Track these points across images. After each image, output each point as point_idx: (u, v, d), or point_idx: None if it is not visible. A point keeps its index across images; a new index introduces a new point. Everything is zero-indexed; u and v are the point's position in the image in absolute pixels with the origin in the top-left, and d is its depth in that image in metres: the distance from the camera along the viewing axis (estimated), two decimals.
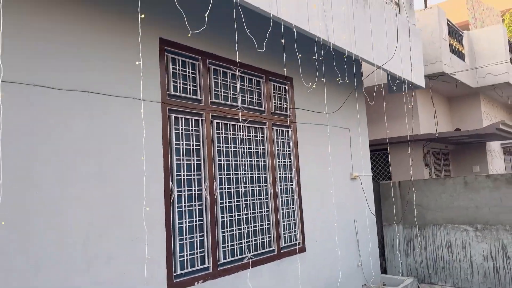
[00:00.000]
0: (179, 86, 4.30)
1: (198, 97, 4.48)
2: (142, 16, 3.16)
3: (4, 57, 2.83)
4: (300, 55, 4.67)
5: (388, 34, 6.60)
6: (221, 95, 4.77)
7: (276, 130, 5.53)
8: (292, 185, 5.67)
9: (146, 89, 3.87)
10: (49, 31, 3.17)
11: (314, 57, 4.87)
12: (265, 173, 5.24)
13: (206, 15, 3.42)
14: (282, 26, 4.29)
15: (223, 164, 4.67)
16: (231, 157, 4.79)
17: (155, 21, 4.00)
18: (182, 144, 4.25)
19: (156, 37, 4.07)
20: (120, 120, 3.61)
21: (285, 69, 4.99)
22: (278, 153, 5.52)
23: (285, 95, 5.79)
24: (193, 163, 4.34)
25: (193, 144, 4.36)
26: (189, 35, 3.65)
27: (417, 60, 7.64)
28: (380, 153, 10.29)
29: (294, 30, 4.44)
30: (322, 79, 5.39)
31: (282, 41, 4.23)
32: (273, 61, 5.40)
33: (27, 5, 3.06)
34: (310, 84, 5.32)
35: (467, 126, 11.57)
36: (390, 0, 7.26)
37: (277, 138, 5.52)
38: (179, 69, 4.33)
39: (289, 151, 5.73)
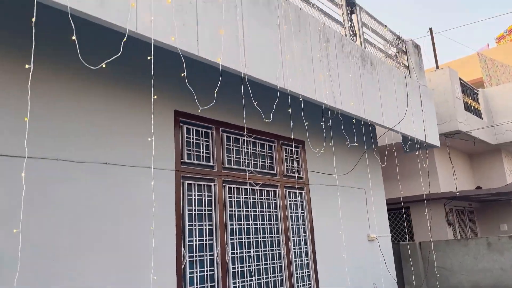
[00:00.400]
0: (193, 154, 4.53)
1: (211, 163, 4.69)
2: (155, 97, 3.46)
3: (31, 135, 3.13)
4: (307, 123, 4.88)
5: (398, 96, 6.80)
6: (233, 160, 4.97)
7: (289, 192, 5.63)
8: (306, 248, 5.66)
9: (161, 158, 4.11)
10: (71, 111, 3.49)
11: (321, 123, 5.06)
12: (278, 236, 5.28)
13: (215, 91, 3.71)
14: (289, 96, 4.54)
15: (235, 228, 4.76)
16: (243, 221, 4.88)
17: (170, 94, 4.32)
18: (195, 209, 4.39)
19: (172, 109, 4.37)
20: (135, 189, 3.82)
21: (292, 136, 5.19)
22: (291, 216, 5.58)
23: (297, 157, 5.95)
24: (205, 228, 4.45)
25: (205, 209, 4.50)
26: (199, 110, 3.92)
27: (430, 120, 7.75)
28: (400, 212, 10.11)
29: (301, 99, 4.69)
30: (330, 144, 5.54)
31: (289, 110, 4.47)
32: (285, 126, 5.62)
33: (52, 89, 3.41)
34: (318, 149, 5.48)
35: (490, 183, 11.33)
36: (399, 64, 7.55)
37: (289, 200, 5.61)
38: (193, 138, 4.58)
39: (302, 213, 5.78)
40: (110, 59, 2.96)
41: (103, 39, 3.48)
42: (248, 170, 5.11)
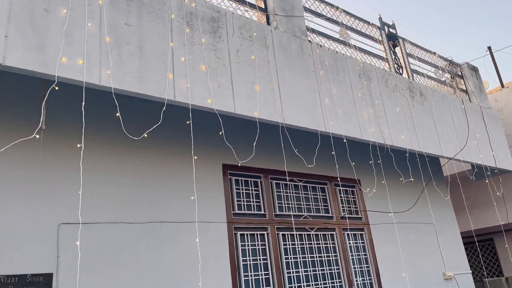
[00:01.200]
0: (243, 204, 4.67)
1: (262, 212, 4.78)
2: (195, 157, 3.69)
3: (89, 204, 3.49)
4: (353, 163, 4.83)
5: (457, 123, 6.48)
6: (284, 206, 5.02)
7: (348, 234, 5.50)
8: None
9: (212, 212, 4.30)
10: (122, 178, 3.83)
11: (371, 161, 4.98)
12: (340, 282, 5.14)
13: (254, 144, 3.87)
14: (332, 139, 4.57)
15: (293, 276, 4.73)
16: (301, 268, 4.84)
17: (216, 150, 4.55)
18: (249, 259, 4.47)
19: (220, 163, 4.59)
20: (188, 244, 4.00)
21: (338, 176, 5.14)
22: (353, 259, 5.41)
23: (354, 197, 5.84)
24: (262, 278, 4.48)
25: (260, 259, 4.55)
26: (239, 164, 4.09)
27: (500, 143, 7.22)
28: (484, 244, 9.28)
29: (345, 140, 4.69)
30: (382, 182, 5.39)
31: (333, 153, 4.48)
32: (338, 166, 5.59)
33: (102, 162, 3.79)
34: (368, 189, 5.35)
35: None
36: (454, 89, 7.25)
37: (349, 243, 5.46)
38: (242, 188, 4.74)
39: (365, 255, 5.58)
40: (151, 128, 3.26)
41: (144, 110, 3.82)
42: (301, 215, 5.12)
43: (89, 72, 2.98)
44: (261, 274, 4.50)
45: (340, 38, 5.56)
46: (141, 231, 3.78)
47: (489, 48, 9.21)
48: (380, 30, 6.41)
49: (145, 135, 3.25)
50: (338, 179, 5.18)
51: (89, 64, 3.00)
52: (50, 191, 3.37)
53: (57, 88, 2.80)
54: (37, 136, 2.77)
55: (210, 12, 4.01)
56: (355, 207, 5.77)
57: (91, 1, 3.20)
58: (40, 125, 2.82)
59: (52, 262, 3.24)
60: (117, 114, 3.06)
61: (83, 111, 2.91)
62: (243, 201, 4.70)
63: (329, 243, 5.26)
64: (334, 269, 5.16)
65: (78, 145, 2.87)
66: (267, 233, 4.71)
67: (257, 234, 4.64)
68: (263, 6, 4.83)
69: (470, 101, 7.39)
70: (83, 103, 2.93)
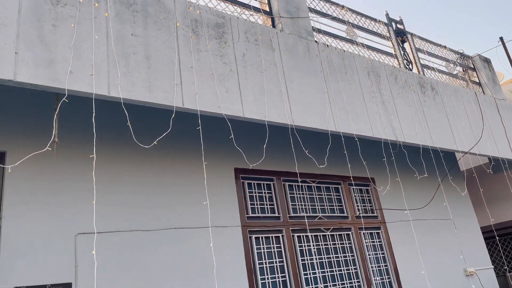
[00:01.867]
0: (257, 207, 4.68)
1: (276, 214, 4.78)
2: (206, 163, 3.72)
3: (104, 213, 3.54)
4: (365, 162, 4.79)
5: (471, 117, 6.38)
6: (299, 208, 5.01)
7: (364, 234, 5.46)
8: None
9: (226, 216, 4.32)
10: (136, 186, 3.88)
11: (383, 159, 4.94)
12: (358, 282, 5.09)
13: (264, 147, 3.88)
14: (343, 138, 4.55)
15: (310, 277, 4.71)
16: (318, 269, 4.82)
17: (228, 154, 4.57)
18: (265, 262, 4.47)
19: (232, 168, 4.61)
20: (204, 249, 4.03)
21: (351, 175, 5.11)
22: (370, 258, 5.36)
23: (369, 196, 5.79)
24: (279, 280, 4.48)
25: (276, 261, 4.55)
26: (250, 167, 4.11)
27: None
28: (506, 238, 9.09)
29: (356, 139, 4.66)
30: (396, 179, 5.33)
31: (344, 152, 4.46)
32: (352, 165, 5.56)
33: (115, 172, 3.84)
34: (382, 187, 5.30)
35: None
36: (467, 82, 7.14)
37: (366, 242, 5.42)
38: (255, 192, 4.75)
39: (382, 254, 5.53)
40: (161, 136, 3.30)
41: (154, 118, 3.85)
42: (316, 216, 5.10)
43: (98, 84, 3.04)
44: (278, 277, 4.49)
45: (347, 37, 5.54)
46: (156, 238, 3.82)
47: (501, 38, 9.04)
48: (388, 26, 6.37)
49: (156, 143, 3.29)
50: (351, 178, 5.15)
51: (97, 76, 3.06)
52: (66, 202, 3.43)
53: (67, 101, 2.86)
54: (50, 149, 2.83)
55: (215, 18, 4.04)
56: (370, 206, 5.73)
57: (97, 14, 3.26)
58: (52, 138, 2.89)
59: (70, 271, 3.30)
60: (127, 124, 3.11)
61: (94, 122, 2.97)
62: (257, 204, 4.71)
63: (346, 243, 5.23)
64: (351, 269, 5.12)
65: (91, 156, 2.93)
66: (282, 235, 4.70)
67: (272, 236, 4.64)
68: (268, 9, 4.85)
69: (484, 93, 7.27)
70: (93, 114, 2.98)
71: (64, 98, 2.86)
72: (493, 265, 7.11)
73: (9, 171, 3.11)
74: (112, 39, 3.25)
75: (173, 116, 3.38)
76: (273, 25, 4.77)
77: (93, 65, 3.07)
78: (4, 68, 2.68)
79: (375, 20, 6.17)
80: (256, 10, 4.72)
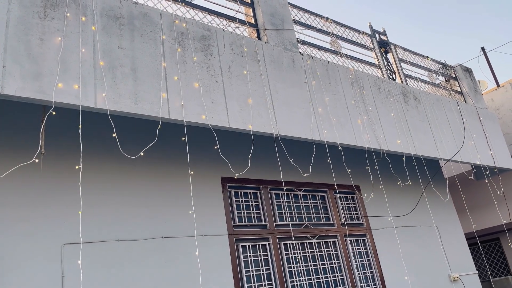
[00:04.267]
0: (244, 216, 4.74)
1: (263, 223, 4.85)
2: (192, 172, 3.79)
3: (90, 223, 3.58)
4: (349, 170, 4.89)
5: (453, 125, 6.54)
6: (285, 216, 5.08)
7: (350, 241, 5.54)
8: None
9: (213, 225, 4.37)
10: (122, 196, 3.92)
11: (367, 167, 5.05)
12: None
13: (249, 156, 3.96)
14: (327, 147, 4.65)
15: (296, 284, 4.77)
16: (304, 276, 4.88)
17: (215, 164, 4.63)
18: (252, 270, 4.52)
19: (218, 177, 4.68)
20: (191, 258, 4.07)
21: (336, 183, 5.20)
22: (356, 265, 5.44)
23: (354, 203, 5.89)
24: None
25: (263, 269, 4.61)
26: (236, 177, 4.18)
27: (498, 143, 7.27)
28: (491, 244, 9.25)
29: (340, 148, 4.77)
30: (380, 187, 5.44)
31: (328, 161, 4.56)
32: (336, 174, 5.66)
33: (101, 182, 3.89)
34: (366, 195, 5.41)
35: None
36: (449, 91, 7.32)
37: (352, 249, 5.50)
38: (242, 200, 4.82)
39: (368, 260, 5.62)
40: (148, 147, 3.37)
41: (140, 129, 3.92)
42: (302, 224, 5.17)
43: (85, 96, 3.10)
44: (265, 285, 4.54)
45: (331, 48, 5.68)
46: (143, 247, 3.86)
47: (483, 48, 9.30)
48: (371, 37, 6.53)
49: (142, 154, 3.35)
50: (335, 186, 5.25)
51: (84, 88, 3.12)
52: (52, 213, 3.46)
53: (54, 113, 2.92)
54: (37, 160, 2.87)
55: (201, 31, 4.14)
56: (355, 213, 5.82)
57: (84, 28, 3.33)
58: (39, 149, 2.93)
59: (57, 282, 3.32)
60: (114, 135, 3.17)
61: (81, 134, 3.02)
62: (244, 212, 4.78)
63: (332, 250, 5.31)
64: (338, 276, 5.19)
65: (77, 167, 2.98)
66: (269, 243, 4.77)
67: (258, 245, 4.70)
68: (253, 22, 4.97)
69: (465, 102, 7.46)
70: (80, 126, 3.04)
71: (51, 110, 2.91)
72: (478, 270, 7.24)
73: None
74: (99, 52, 3.32)
75: (159, 127, 3.45)
76: (259, 37, 4.88)
77: (80, 77, 3.13)
78: None
79: (359, 31, 6.33)
80: (242, 22, 4.82)
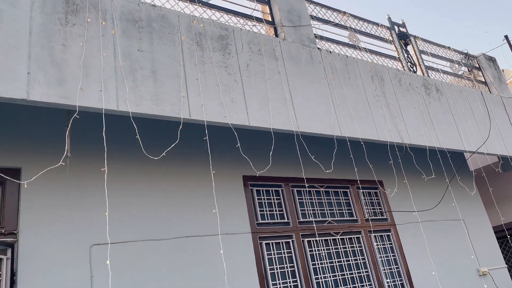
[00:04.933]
0: (266, 214, 4.75)
1: (286, 220, 4.84)
2: (213, 172, 3.80)
3: (117, 225, 3.64)
4: (372, 165, 4.83)
5: (478, 116, 6.38)
6: (308, 213, 5.06)
7: (375, 236, 5.48)
8: None
9: (236, 223, 4.39)
10: (147, 197, 3.98)
11: (390, 161, 4.98)
12: (370, 285, 5.11)
13: (270, 154, 3.96)
14: (348, 143, 4.60)
15: (321, 281, 4.75)
16: (329, 273, 4.85)
17: (236, 162, 4.65)
18: (276, 268, 4.52)
19: (240, 175, 4.69)
20: (215, 256, 4.09)
21: (358, 178, 5.15)
22: (382, 260, 5.38)
23: (377, 199, 5.82)
24: (290, 286, 4.52)
25: (287, 267, 4.60)
26: (257, 175, 4.18)
27: None
28: None
29: (362, 142, 4.71)
30: (404, 181, 5.36)
31: (350, 156, 4.52)
32: (359, 169, 5.60)
33: (126, 183, 3.95)
34: (389, 190, 5.33)
35: None
36: (472, 82, 7.15)
37: (377, 245, 5.44)
38: (264, 198, 4.82)
39: (393, 256, 5.54)
40: (170, 147, 3.40)
41: (162, 130, 3.95)
42: (325, 220, 5.14)
43: (107, 99, 3.15)
44: (289, 282, 4.54)
45: (350, 42, 5.62)
46: (168, 246, 3.91)
47: (506, 37, 9.03)
48: (390, 30, 6.43)
49: (164, 154, 3.39)
50: (358, 182, 5.19)
51: (106, 92, 3.18)
52: (80, 215, 3.54)
53: (78, 117, 2.98)
54: (64, 164, 2.94)
55: (219, 31, 4.15)
56: (379, 209, 5.75)
57: (104, 32, 3.38)
58: (65, 153, 3.00)
59: (86, 282, 3.39)
60: (137, 137, 3.21)
61: (104, 136, 3.07)
62: (266, 210, 4.78)
63: (356, 246, 5.26)
64: (363, 272, 5.14)
65: (102, 169, 3.03)
66: (292, 241, 4.76)
67: (282, 242, 4.70)
68: (270, 19, 4.95)
69: (490, 92, 7.26)
70: (103, 129, 3.09)
71: (75, 115, 2.97)
72: (507, 264, 7.06)
73: (26, 186, 3.23)
74: (119, 55, 3.37)
75: (180, 127, 3.48)
76: (276, 35, 4.86)
77: (102, 81, 3.18)
78: (17, 88, 2.81)
79: (377, 24, 6.24)
80: (259, 20, 4.82)
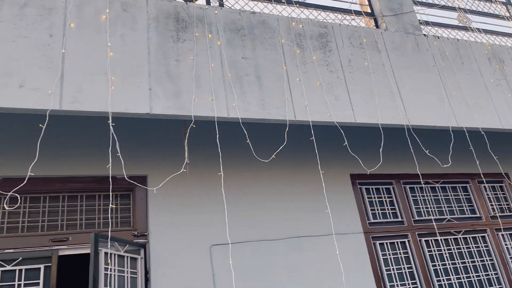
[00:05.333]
0: (378, 213, 4.57)
1: (399, 219, 4.61)
2: (323, 172, 3.77)
3: (233, 223, 3.81)
4: (496, 157, 4.37)
5: None
6: (423, 211, 4.76)
7: (503, 235, 4.95)
8: None
9: (347, 223, 4.31)
10: (259, 200, 4.09)
11: None
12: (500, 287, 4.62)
13: (380, 150, 3.81)
14: (466, 133, 4.22)
15: (444, 284, 4.42)
16: (452, 275, 4.50)
17: (344, 161, 4.56)
18: (393, 269, 4.32)
19: (347, 174, 4.59)
20: (328, 257, 4.05)
21: (481, 171, 4.68)
22: None
23: (504, 193, 5.25)
24: (409, 287, 4.29)
25: (404, 267, 4.37)
26: (368, 173, 4.05)
27: None
28: None
29: (483, 132, 4.29)
30: None
31: (470, 148, 4.15)
32: (480, 162, 5.11)
33: (239, 187, 4.10)
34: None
35: None
36: None
37: (506, 244, 4.90)
38: (374, 197, 4.65)
39: None
40: (278, 150, 3.46)
41: (269, 133, 4.03)
42: (444, 218, 4.78)
43: (218, 107, 3.33)
44: (408, 283, 4.31)
45: (460, 24, 5.16)
46: (282, 246, 3.97)
47: None
48: (506, 5, 5.76)
49: (274, 157, 3.46)
50: (481, 175, 4.73)
51: (217, 100, 3.35)
52: (200, 217, 3.79)
53: (194, 126, 3.19)
54: (185, 170, 3.17)
55: (317, 29, 4.12)
56: (506, 204, 5.18)
57: (211, 44, 3.58)
58: (185, 160, 3.23)
59: (209, 280, 3.61)
60: (247, 141, 3.33)
61: (218, 143, 3.25)
62: (377, 209, 4.61)
63: (481, 246, 4.80)
64: (491, 274, 4.67)
65: (219, 174, 3.20)
66: (408, 240, 4.51)
67: (397, 242, 4.48)
68: (369, 11, 4.78)
69: None
70: (217, 136, 3.27)
71: (191, 124, 3.19)
72: None
73: (155, 192, 3.55)
74: (226, 65, 3.53)
75: (286, 129, 3.52)
76: (377, 26, 4.68)
77: (212, 91, 3.37)
78: (142, 104, 3.11)
79: (490, 0, 5.64)
80: (358, 13, 4.68)
